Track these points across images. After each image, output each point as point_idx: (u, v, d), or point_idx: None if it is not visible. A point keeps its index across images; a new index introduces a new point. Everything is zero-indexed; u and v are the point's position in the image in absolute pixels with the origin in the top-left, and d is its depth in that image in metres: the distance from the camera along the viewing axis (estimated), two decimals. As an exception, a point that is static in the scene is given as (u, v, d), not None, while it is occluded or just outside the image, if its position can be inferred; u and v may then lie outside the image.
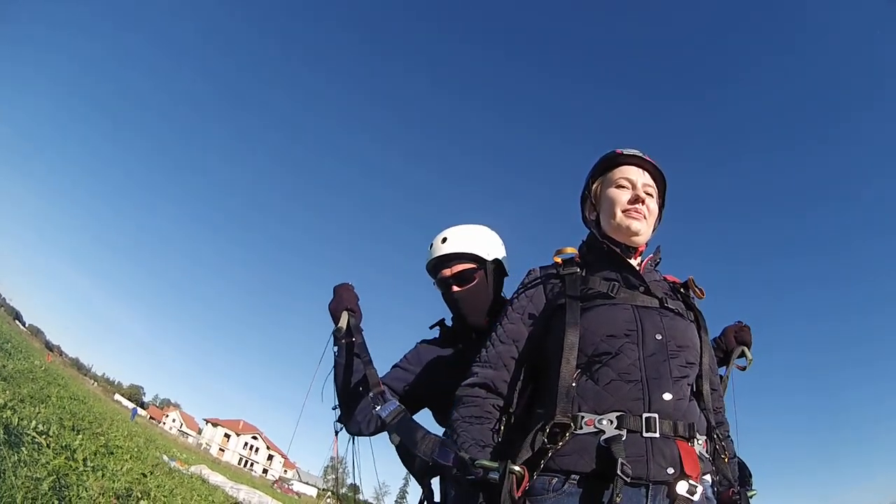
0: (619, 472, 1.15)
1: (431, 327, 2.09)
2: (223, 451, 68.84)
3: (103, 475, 5.97)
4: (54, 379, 15.00)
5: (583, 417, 1.28)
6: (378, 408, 1.56)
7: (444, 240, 1.97)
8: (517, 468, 1.21)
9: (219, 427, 73.10)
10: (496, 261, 1.97)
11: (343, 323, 1.80)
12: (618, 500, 1.13)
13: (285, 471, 76.50)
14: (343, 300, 1.85)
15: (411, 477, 1.90)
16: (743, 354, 1.87)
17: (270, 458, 77.64)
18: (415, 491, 1.93)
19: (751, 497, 1.61)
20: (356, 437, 1.95)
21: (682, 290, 1.57)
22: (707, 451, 1.35)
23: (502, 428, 1.43)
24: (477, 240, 1.98)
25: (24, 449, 4.83)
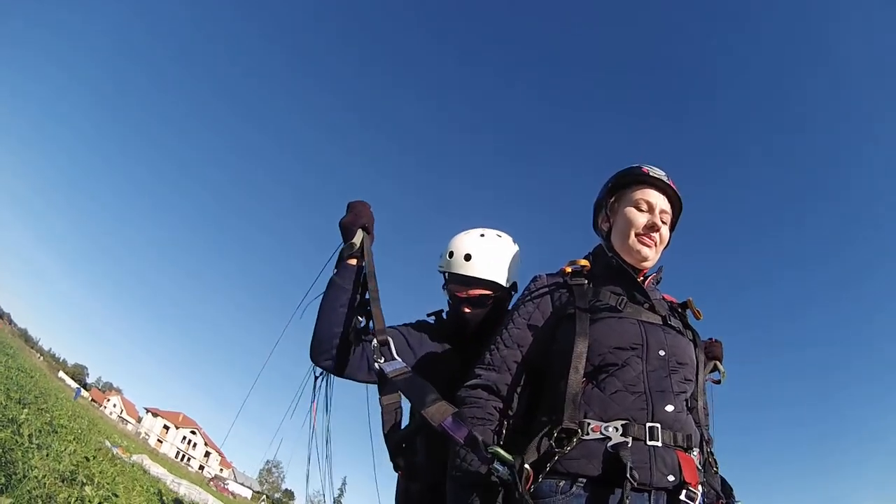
0: (628, 476, 1.20)
1: (429, 315, 2.01)
2: (161, 442, 66.01)
3: (48, 455, 5.71)
4: (2, 347, 14.35)
5: (589, 424, 1.32)
6: (382, 361, 1.46)
7: (468, 257, 1.81)
8: (527, 467, 1.22)
9: (158, 417, 70.16)
10: (513, 284, 1.90)
11: (357, 240, 1.58)
12: (626, 502, 1.18)
13: (221, 469, 73.86)
14: (360, 216, 1.61)
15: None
16: (716, 368, 1.92)
17: (207, 454, 74.89)
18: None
19: None
20: (331, 379, 1.72)
21: (679, 309, 1.62)
22: (699, 463, 1.40)
23: (504, 431, 1.45)
24: (501, 266, 1.85)
25: (-29, 417, 4.56)
